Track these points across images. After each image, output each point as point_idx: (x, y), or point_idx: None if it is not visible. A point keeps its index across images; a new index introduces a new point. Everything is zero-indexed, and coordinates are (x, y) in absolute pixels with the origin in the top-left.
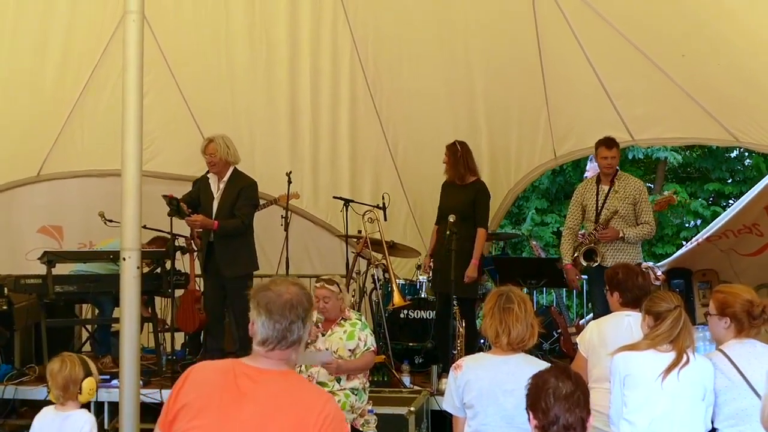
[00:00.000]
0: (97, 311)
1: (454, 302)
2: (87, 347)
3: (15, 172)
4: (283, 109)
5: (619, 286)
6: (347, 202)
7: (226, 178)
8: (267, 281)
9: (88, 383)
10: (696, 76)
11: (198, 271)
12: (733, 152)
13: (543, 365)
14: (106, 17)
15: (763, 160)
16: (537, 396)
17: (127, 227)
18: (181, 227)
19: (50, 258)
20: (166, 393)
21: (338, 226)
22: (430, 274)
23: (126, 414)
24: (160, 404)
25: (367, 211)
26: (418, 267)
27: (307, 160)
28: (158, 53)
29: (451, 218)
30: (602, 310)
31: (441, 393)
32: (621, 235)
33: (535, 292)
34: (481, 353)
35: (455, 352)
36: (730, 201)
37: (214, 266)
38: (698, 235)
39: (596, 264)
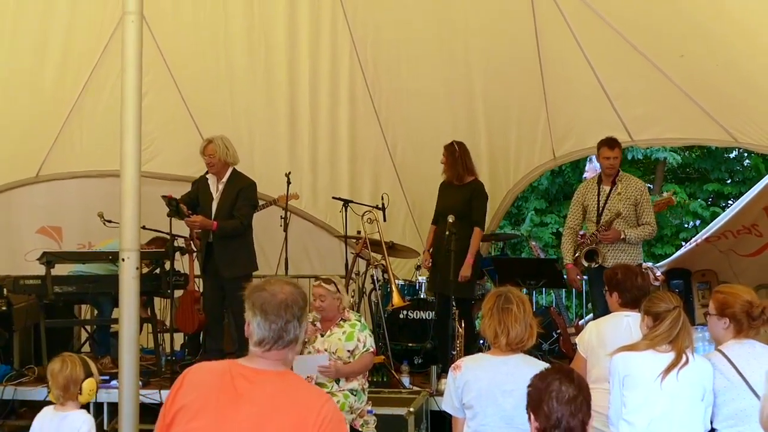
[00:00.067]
0: (96, 312)
1: (453, 303)
2: (86, 348)
3: (14, 173)
4: (283, 109)
5: (618, 287)
6: (346, 202)
7: (225, 179)
8: (261, 281)
9: (89, 384)
10: (695, 77)
11: (197, 271)
12: (732, 153)
13: (542, 366)
14: (105, 18)
15: (762, 161)
16: (539, 399)
17: (126, 228)
18: (181, 228)
19: (49, 258)
20: (165, 393)
21: (337, 226)
22: (430, 270)
23: (125, 414)
24: (160, 405)
25: (366, 211)
26: (418, 267)
27: (307, 161)
28: (157, 54)
29: (450, 219)
30: (602, 311)
31: (440, 393)
32: (622, 236)
33: (534, 292)
34: (480, 354)
35: (454, 352)
36: (730, 201)
37: (214, 267)
38: (697, 236)
39: (597, 265)
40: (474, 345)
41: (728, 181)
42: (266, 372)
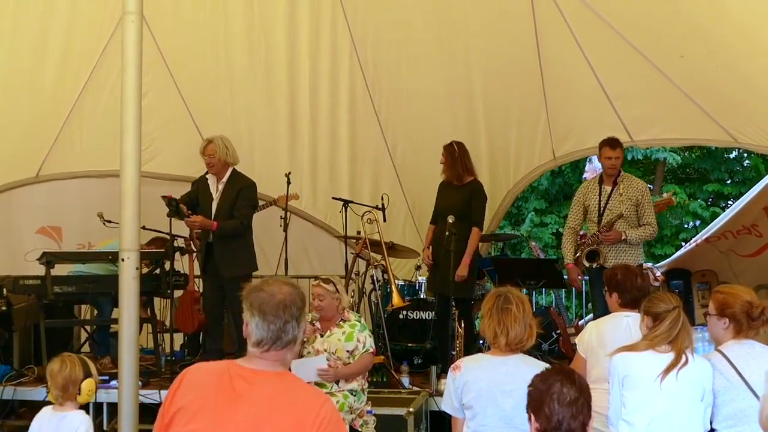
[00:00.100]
0: (96, 312)
1: (453, 303)
2: (86, 348)
3: (14, 173)
4: (283, 109)
5: (618, 287)
6: (346, 202)
7: (225, 179)
8: (259, 282)
9: (88, 384)
10: (695, 77)
11: (197, 271)
12: (732, 153)
13: (542, 366)
14: (105, 18)
15: (762, 161)
16: (540, 400)
17: (126, 228)
18: (180, 228)
19: (49, 259)
20: (165, 394)
21: (337, 226)
22: (431, 267)
23: (125, 415)
24: (159, 405)
25: (366, 211)
26: (418, 268)
27: (307, 161)
28: (157, 54)
29: (450, 219)
30: (603, 311)
31: (440, 394)
32: (623, 237)
33: (534, 292)
34: (480, 354)
35: (454, 352)
36: (729, 202)
37: (213, 267)
38: (697, 236)
39: (598, 265)
40: (474, 345)
41: (728, 182)
42: (265, 373)
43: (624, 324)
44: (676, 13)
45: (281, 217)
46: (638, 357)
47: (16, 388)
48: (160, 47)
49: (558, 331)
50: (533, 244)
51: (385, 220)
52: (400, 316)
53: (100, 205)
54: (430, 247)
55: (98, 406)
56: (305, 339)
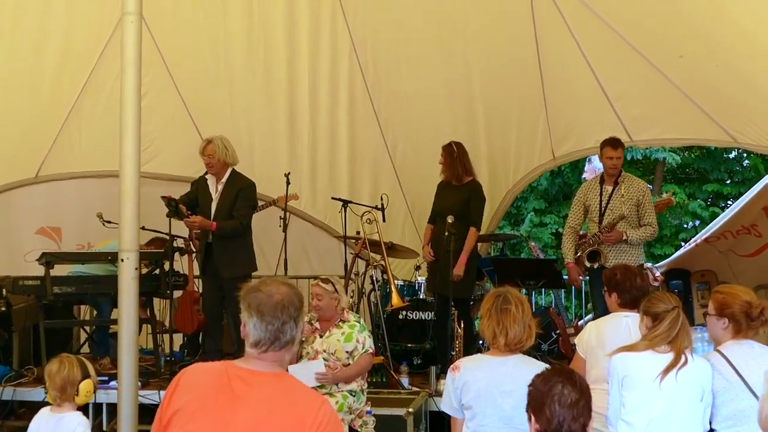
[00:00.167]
0: (95, 312)
1: (452, 303)
2: (85, 348)
3: (13, 174)
4: (282, 110)
5: (618, 287)
6: (346, 203)
7: (224, 180)
8: (257, 282)
9: (86, 385)
10: (694, 77)
11: (196, 272)
12: (731, 153)
13: (541, 366)
14: (104, 18)
15: (761, 161)
16: (541, 401)
17: (126, 228)
18: (180, 228)
19: (48, 259)
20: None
21: (337, 227)
22: (432, 263)
23: (124, 415)
24: (158, 405)
25: (365, 212)
26: (417, 268)
27: (306, 162)
28: (156, 54)
29: (450, 219)
30: (603, 311)
31: (439, 394)
32: (624, 237)
33: (533, 293)
34: (479, 354)
35: (453, 353)
36: (729, 202)
37: (213, 267)
38: (697, 236)
39: (599, 265)
40: (473, 345)
41: (728, 182)
42: (263, 374)
43: (623, 324)
44: (675, 14)
45: (281, 218)
46: (637, 357)
47: (15, 388)
48: (160, 48)
49: (557, 332)
50: (533, 244)
51: (384, 221)
52: (400, 317)
53: (100, 205)
54: (430, 244)
55: (98, 406)
56: (303, 339)
